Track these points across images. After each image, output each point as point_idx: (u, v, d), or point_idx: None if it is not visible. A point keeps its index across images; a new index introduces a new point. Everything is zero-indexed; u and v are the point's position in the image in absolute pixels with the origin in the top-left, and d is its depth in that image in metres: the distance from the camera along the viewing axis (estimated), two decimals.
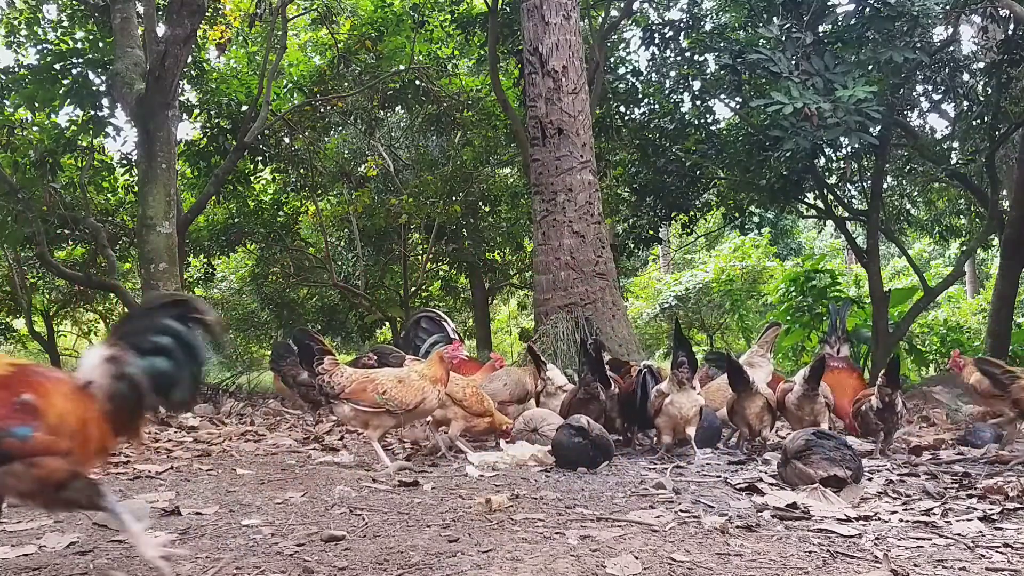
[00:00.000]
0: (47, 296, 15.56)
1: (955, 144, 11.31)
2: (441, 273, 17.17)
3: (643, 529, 2.71)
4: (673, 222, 13.18)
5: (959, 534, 2.62)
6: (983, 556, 2.38)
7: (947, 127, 12.16)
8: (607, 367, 4.83)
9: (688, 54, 11.10)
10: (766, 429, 4.57)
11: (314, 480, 3.67)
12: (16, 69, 10.66)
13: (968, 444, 4.58)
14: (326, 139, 14.24)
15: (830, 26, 8.64)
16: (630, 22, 13.14)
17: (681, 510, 2.98)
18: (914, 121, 11.61)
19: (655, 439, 4.77)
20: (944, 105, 11.23)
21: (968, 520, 2.78)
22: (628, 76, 12.03)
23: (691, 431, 4.31)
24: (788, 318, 12.72)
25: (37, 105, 10.34)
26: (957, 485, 3.44)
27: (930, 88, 10.56)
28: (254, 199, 14.45)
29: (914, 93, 10.59)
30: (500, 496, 3.08)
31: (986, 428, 4.65)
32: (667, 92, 11.61)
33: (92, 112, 10.45)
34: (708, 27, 11.07)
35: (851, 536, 2.61)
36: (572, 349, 6.88)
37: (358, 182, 14.41)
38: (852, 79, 7.18)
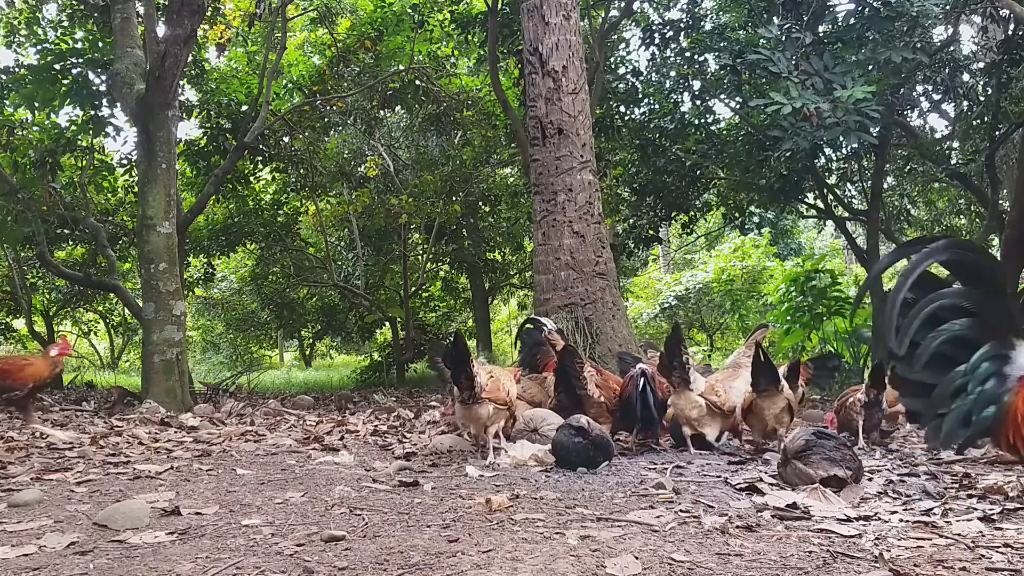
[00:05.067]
0: (47, 296, 15.58)
1: (955, 144, 11.32)
2: (441, 273, 17.19)
3: (643, 529, 2.71)
4: (673, 222, 13.19)
5: (959, 534, 2.62)
6: (983, 556, 2.38)
7: (947, 127, 12.17)
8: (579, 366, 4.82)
9: (688, 54, 11.10)
10: (782, 428, 4.57)
11: (314, 480, 3.67)
12: (16, 69, 10.65)
13: None
14: (326, 139, 14.25)
15: (830, 26, 8.64)
16: (630, 22, 13.14)
17: (681, 510, 2.98)
18: (914, 121, 11.63)
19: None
20: (944, 105, 11.24)
21: (968, 520, 2.78)
22: (628, 76, 12.03)
23: (710, 434, 4.52)
24: (788, 318, 12.70)
25: (37, 105, 10.34)
26: (957, 485, 3.44)
27: (930, 88, 10.57)
28: (254, 199, 14.46)
29: (914, 93, 10.60)
30: (500, 496, 3.07)
31: None
32: (667, 92, 11.61)
33: (92, 112, 10.44)
34: (708, 27, 11.07)
35: (851, 536, 2.61)
36: None
37: (358, 182, 14.42)
38: (852, 79, 7.18)
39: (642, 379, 4.47)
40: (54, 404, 8.20)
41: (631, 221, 12.66)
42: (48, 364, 5.02)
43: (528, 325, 6.03)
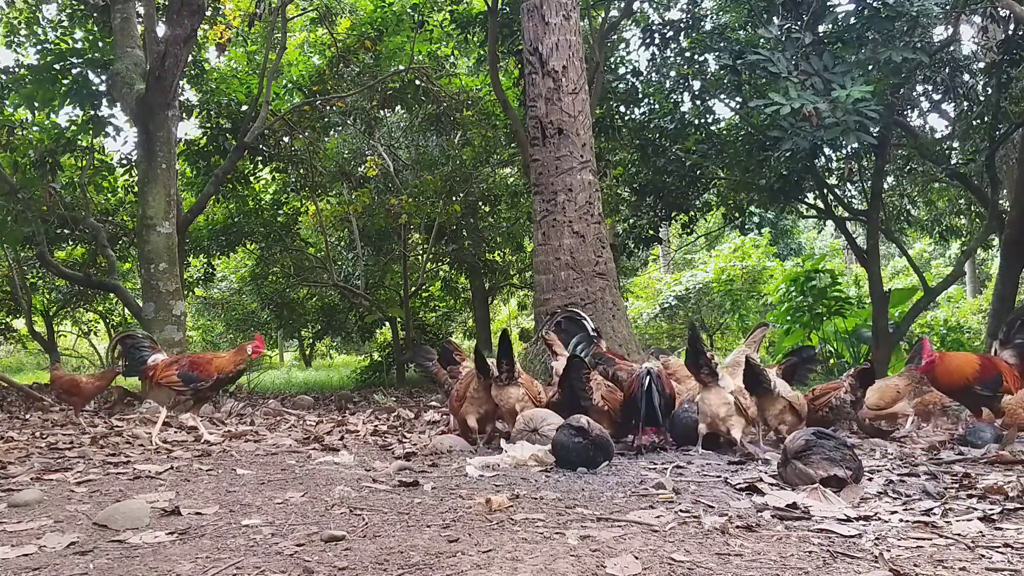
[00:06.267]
0: (47, 296, 15.58)
1: (955, 144, 11.30)
2: (441, 273, 17.18)
3: (643, 529, 2.71)
4: (673, 222, 13.18)
5: (959, 534, 2.62)
6: (983, 556, 2.38)
7: (947, 127, 12.16)
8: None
9: (688, 54, 11.10)
10: (784, 428, 4.58)
11: (314, 480, 3.67)
12: (16, 69, 10.66)
13: (968, 444, 4.57)
14: (326, 139, 14.25)
15: (830, 26, 8.63)
16: (630, 22, 13.14)
17: (681, 510, 2.98)
18: (914, 121, 11.61)
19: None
20: (944, 105, 11.23)
21: (968, 520, 2.78)
22: (628, 76, 12.03)
23: (735, 432, 4.42)
24: (788, 318, 12.71)
25: (37, 105, 10.35)
26: (957, 485, 3.43)
27: (930, 88, 10.55)
28: (254, 199, 14.46)
29: (914, 93, 10.58)
30: (500, 496, 3.08)
31: (986, 428, 4.65)
32: (667, 92, 11.60)
33: (92, 112, 10.45)
34: (708, 27, 11.05)
35: (851, 536, 2.61)
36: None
37: (358, 182, 14.41)
38: (851, 79, 7.17)
39: (647, 378, 4.46)
40: (54, 404, 8.20)
41: (631, 221, 12.65)
42: (232, 360, 5.27)
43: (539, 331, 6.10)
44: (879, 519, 2.85)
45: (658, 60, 11.57)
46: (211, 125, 12.45)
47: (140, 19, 8.86)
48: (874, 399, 5.23)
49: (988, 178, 10.06)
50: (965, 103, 10.20)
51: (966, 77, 10.13)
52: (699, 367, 4.47)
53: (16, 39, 11.66)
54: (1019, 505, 2.98)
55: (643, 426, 4.62)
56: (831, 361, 11.88)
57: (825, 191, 10.86)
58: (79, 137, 11.05)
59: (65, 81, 10.15)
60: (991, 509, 2.93)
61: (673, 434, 4.80)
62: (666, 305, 21.04)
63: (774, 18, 9.12)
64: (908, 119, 11.07)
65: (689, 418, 4.69)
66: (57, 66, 10.13)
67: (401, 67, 12.94)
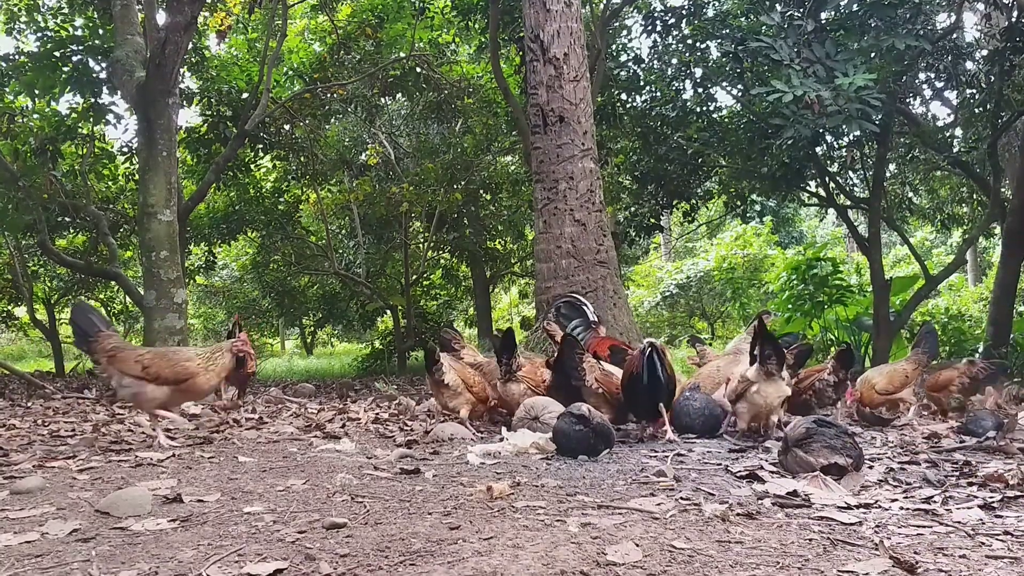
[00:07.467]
0: (48, 284, 15.59)
1: (957, 132, 11.27)
2: (442, 261, 17.18)
3: (644, 516, 2.72)
4: (674, 210, 13.17)
5: (959, 522, 2.62)
6: (983, 544, 2.38)
7: (949, 115, 12.13)
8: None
9: (690, 41, 11.05)
10: (781, 412, 4.58)
11: (316, 468, 3.68)
12: (16, 56, 10.64)
13: (969, 433, 4.57)
14: (327, 127, 14.22)
15: (832, 13, 8.60)
16: (632, 9, 13.09)
17: (682, 498, 2.98)
18: (916, 109, 11.58)
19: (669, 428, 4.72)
20: (946, 93, 11.19)
21: (968, 508, 2.78)
22: (630, 63, 11.99)
23: (774, 419, 4.44)
24: (790, 307, 12.71)
25: (37, 92, 10.33)
26: (958, 473, 3.44)
27: (932, 76, 10.52)
28: (255, 187, 14.45)
29: (916, 81, 10.54)
30: (501, 484, 3.08)
31: (987, 417, 4.65)
32: (669, 80, 11.56)
33: (92, 100, 10.43)
34: (710, 14, 11.01)
35: (851, 524, 2.62)
36: None
37: (359, 170, 14.40)
38: (853, 67, 7.15)
39: (650, 348, 4.39)
40: (56, 392, 8.21)
41: (632, 209, 12.64)
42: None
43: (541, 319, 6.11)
44: (879, 507, 2.85)
45: (660, 47, 11.53)
46: (212, 113, 12.42)
47: (140, 6, 8.83)
48: (883, 383, 5.23)
49: (990, 166, 10.04)
50: (968, 91, 10.17)
51: (969, 65, 10.09)
52: (766, 357, 4.31)
53: (16, 26, 11.63)
54: (1019, 493, 2.99)
55: (647, 399, 4.50)
56: (832, 349, 11.89)
57: (827, 179, 10.84)
58: (79, 125, 11.03)
59: (65, 68, 10.13)
60: (991, 497, 2.93)
61: (677, 425, 4.74)
62: (667, 293, 21.07)
63: (776, 5, 9.08)
64: (910, 107, 11.04)
65: (691, 406, 4.67)
66: (57, 53, 10.11)
67: (402, 54, 12.90)
